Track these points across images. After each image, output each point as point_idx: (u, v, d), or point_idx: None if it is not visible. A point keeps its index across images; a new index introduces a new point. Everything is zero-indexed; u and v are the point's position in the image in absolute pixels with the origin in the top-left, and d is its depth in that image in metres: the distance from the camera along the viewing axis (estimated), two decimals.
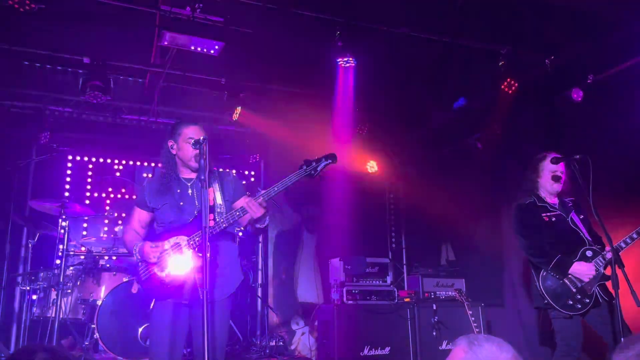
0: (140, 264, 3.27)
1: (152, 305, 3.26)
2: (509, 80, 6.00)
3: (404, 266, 8.45)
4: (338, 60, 5.53)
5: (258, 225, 3.32)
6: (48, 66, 6.32)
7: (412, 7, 5.30)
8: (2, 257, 5.91)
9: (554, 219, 4.05)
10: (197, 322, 3.14)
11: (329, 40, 5.42)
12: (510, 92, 6.06)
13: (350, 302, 5.84)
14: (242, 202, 3.34)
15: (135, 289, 3.31)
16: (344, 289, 5.87)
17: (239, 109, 6.76)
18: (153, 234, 3.38)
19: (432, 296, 6.30)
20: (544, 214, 4.06)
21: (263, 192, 3.23)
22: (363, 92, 6.79)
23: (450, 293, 6.25)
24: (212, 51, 5.44)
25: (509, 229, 6.24)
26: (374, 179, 8.38)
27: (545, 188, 4.15)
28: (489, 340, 1.83)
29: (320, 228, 8.10)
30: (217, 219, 3.22)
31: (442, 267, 7.22)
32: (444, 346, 5.82)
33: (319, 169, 3.30)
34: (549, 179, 4.11)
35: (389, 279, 6.21)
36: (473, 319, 4.89)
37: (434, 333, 5.82)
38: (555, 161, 4.08)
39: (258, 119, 7.59)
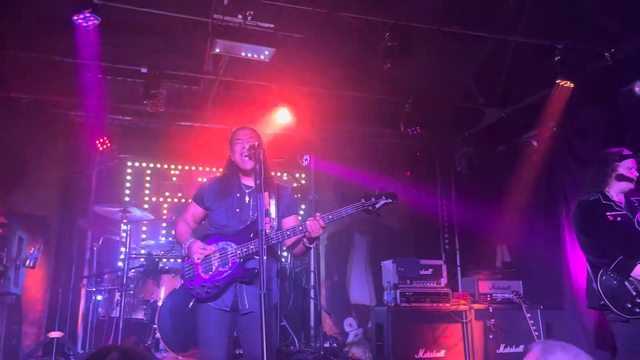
0: (186, 261, 3.33)
1: (191, 303, 3.31)
2: (565, 75, 5.79)
3: (458, 268, 8.32)
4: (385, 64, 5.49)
5: (309, 245, 3.33)
6: (109, 77, 6.63)
7: (459, 4, 5.24)
8: (70, 260, 6.23)
9: (619, 218, 3.87)
10: (244, 328, 3.20)
11: (378, 43, 5.40)
12: (567, 87, 5.85)
13: (404, 304, 5.80)
14: (292, 222, 3.42)
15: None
16: (398, 291, 5.84)
17: (286, 115, 6.82)
18: (205, 233, 3.43)
19: (488, 299, 6.17)
20: (609, 213, 3.88)
21: (323, 215, 3.21)
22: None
23: (507, 295, 6.10)
24: (262, 57, 5.54)
25: (568, 227, 6.07)
26: (426, 180, 8.30)
27: (616, 186, 3.96)
28: (564, 349, 1.75)
29: (372, 230, 8.08)
30: (269, 233, 3.24)
31: (497, 269, 7.05)
32: (501, 349, 5.69)
33: (377, 206, 3.26)
34: (623, 176, 3.92)
35: (443, 281, 6.12)
36: (532, 322, 4.75)
37: (491, 336, 5.70)
38: (625, 157, 3.89)
39: (309, 123, 7.68)
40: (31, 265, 5.12)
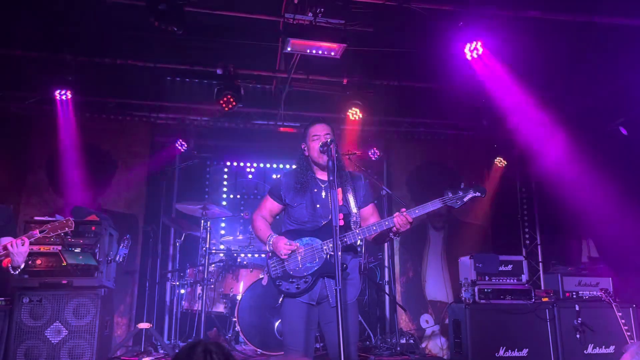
0: (271, 257, 3.37)
1: (280, 300, 3.35)
2: None
3: (540, 264, 7.97)
4: (465, 51, 5.34)
5: (394, 238, 3.32)
6: (187, 80, 6.92)
7: None
8: (155, 256, 6.57)
9: None
10: (329, 320, 3.23)
11: (452, 33, 5.26)
12: None
13: (482, 301, 5.63)
14: (369, 210, 3.44)
15: (265, 281, 3.43)
16: (476, 288, 5.68)
17: (356, 110, 6.83)
18: (286, 228, 3.47)
19: (574, 296, 5.87)
20: None
21: (412, 210, 3.17)
22: (486, 82, 6.54)
23: (594, 293, 5.77)
24: (333, 53, 5.55)
25: None
26: (504, 172, 8.01)
27: None
28: None
29: (447, 225, 7.91)
30: (353, 228, 3.25)
31: (583, 265, 6.69)
32: (589, 350, 5.40)
33: (465, 199, 3.19)
34: None
35: (524, 278, 5.88)
36: (623, 321, 4.48)
37: (578, 336, 5.42)
38: None
39: (380, 117, 7.64)
40: (120, 260, 5.45)
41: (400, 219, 3.15)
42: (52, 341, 4.75)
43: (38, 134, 6.95)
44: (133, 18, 5.40)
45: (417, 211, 3.17)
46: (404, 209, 3.17)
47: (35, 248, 4.93)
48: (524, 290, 5.77)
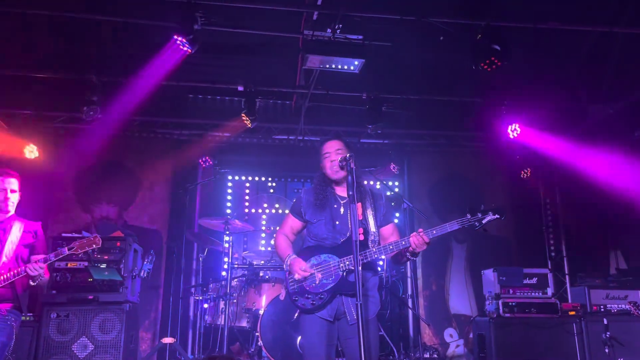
0: (289, 274, 3.41)
1: (296, 315, 3.35)
2: None
3: (566, 276, 7.82)
4: (481, 65, 5.32)
5: (412, 258, 3.32)
6: (208, 97, 7.04)
7: None
8: (179, 271, 6.64)
9: None
10: (348, 336, 3.23)
11: (468, 45, 5.26)
12: None
13: (507, 314, 5.56)
14: (389, 230, 3.44)
15: (282, 296, 3.45)
16: (500, 302, 5.61)
17: (376, 124, 6.76)
18: (306, 244, 3.50)
19: (602, 309, 5.75)
20: None
21: (430, 230, 3.18)
22: (511, 92, 6.52)
23: (623, 306, 5.65)
24: (352, 67, 5.60)
25: None
26: (527, 183, 7.91)
27: None
28: None
29: (470, 238, 7.84)
30: (371, 247, 3.27)
31: (611, 277, 6.54)
32: None
33: (483, 222, 3.18)
34: None
35: (549, 291, 5.79)
36: None
37: (607, 350, 5.30)
38: None
39: (400, 130, 7.64)
40: (144, 275, 5.53)
41: (417, 240, 3.14)
42: (79, 356, 4.83)
43: (65, 152, 7.12)
44: (155, 38, 5.54)
45: (434, 232, 3.17)
46: (421, 229, 3.17)
47: (63, 264, 5.05)
48: (549, 304, 5.68)
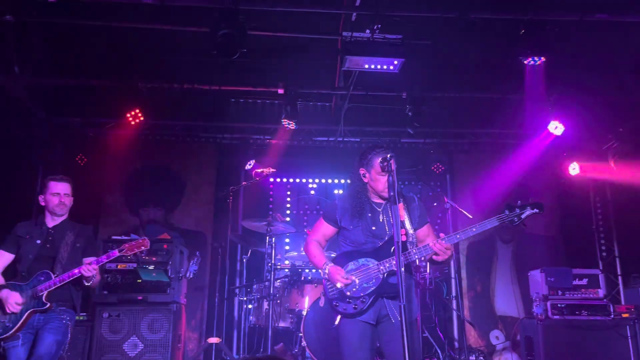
0: (327, 281, 3.38)
1: (337, 321, 3.32)
2: None
3: (619, 277, 7.53)
4: (524, 60, 5.21)
5: (440, 263, 3.29)
6: (250, 100, 7.15)
7: None
8: (223, 272, 6.76)
9: None
10: (391, 339, 3.21)
11: (512, 41, 5.15)
12: None
13: (556, 317, 5.40)
14: (425, 231, 3.42)
15: (322, 302, 3.44)
16: (548, 303, 5.46)
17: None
18: (341, 250, 3.49)
19: None
20: None
21: (453, 235, 3.16)
22: (556, 88, 6.34)
23: None
24: (391, 67, 5.57)
25: None
26: (576, 182, 7.66)
27: None
28: None
29: (516, 237, 7.65)
30: (409, 249, 3.24)
31: None
32: None
33: (522, 216, 3.14)
34: None
35: (601, 292, 5.59)
36: None
37: None
38: None
39: (442, 129, 7.54)
40: (190, 276, 5.67)
41: (439, 246, 3.13)
42: (130, 354, 4.99)
43: (113, 157, 7.37)
44: (197, 44, 5.68)
45: (458, 236, 3.16)
46: (442, 234, 3.14)
47: (113, 265, 5.23)
48: (601, 306, 5.49)
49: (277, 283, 6.39)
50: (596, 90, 6.46)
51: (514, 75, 5.96)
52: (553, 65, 5.52)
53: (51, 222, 4.03)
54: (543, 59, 5.17)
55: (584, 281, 5.61)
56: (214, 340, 5.97)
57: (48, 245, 3.92)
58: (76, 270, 3.75)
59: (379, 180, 3.36)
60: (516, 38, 5.15)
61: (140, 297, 5.19)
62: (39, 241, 3.91)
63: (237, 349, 7.04)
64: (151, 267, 5.29)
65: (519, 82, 6.07)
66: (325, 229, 3.56)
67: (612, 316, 5.40)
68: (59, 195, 3.99)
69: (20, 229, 3.98)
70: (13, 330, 3.65)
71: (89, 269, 3.73)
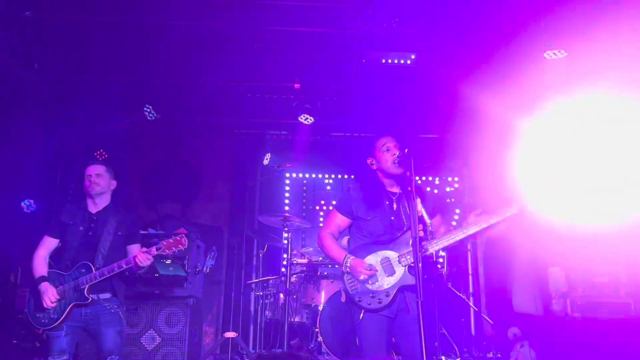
0: (347, 273, 3.31)
1: (361, 316, 3.29)
2: None
3: None
4: (546, 52, 5.13)
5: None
6: (266, 95, 7.13)
7: None
8: (239, 266, 6.79)
9: None
10: (408, 332, 3.21)
11: (533, 33, 5.07)
12: None
13: (576, 314, 5.32)
14: (439, 219, 3.45)
15: (343, 298, 3.40)
16: (568, 300, 5.38)
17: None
18: (356, 243, 3.46)
19: None
20: None
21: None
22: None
23: None
24: (408, 61, 5.53)
25: None
26: None
27: None
28: None
29: (535, 233, 7.54)
30: (430, 239, 3.22)
31: None
32: None
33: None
34: None
35: (622, 290, 5.48)
36: None
37: None
38: None
39: (460, 124, 7.44)
40: (207, 271, 5.70)
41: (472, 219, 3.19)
42: (148, 348, 5.04)
43: (129, 152, 7.42)
44: (213, 40, 5.67)
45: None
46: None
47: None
48: (623, 304, 5.38)
49: (293, 278, 6.39)
50: None
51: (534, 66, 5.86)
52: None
53: (93, 207, 4.02)
54: (560, 52, 5.08)
55: (605, 279, 5.52)
56: (230, 334, 5.99)
57: (90, 233, 3.89)
58: (131, 259, 3.70)
59: (382, 158, 3.38)
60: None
61: (157, 291, 5.23)
62: (81, 228, 3.90)
63: (253, 344, 7.07)
64: (168, 262, 5.32)
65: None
66: (340, 221, 3.52)
67: (634, 314, 5.30)
68: (90, 177, 4.00)
69: (65, 214, 3.96)
70: (58, 322, 3.67)
71: (147, 258, 3.68)
